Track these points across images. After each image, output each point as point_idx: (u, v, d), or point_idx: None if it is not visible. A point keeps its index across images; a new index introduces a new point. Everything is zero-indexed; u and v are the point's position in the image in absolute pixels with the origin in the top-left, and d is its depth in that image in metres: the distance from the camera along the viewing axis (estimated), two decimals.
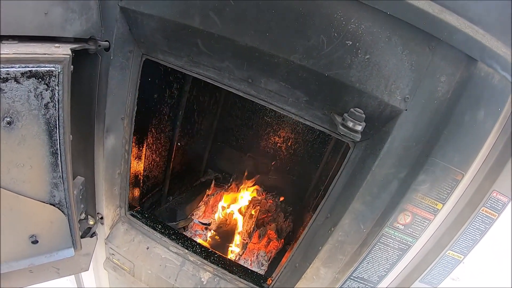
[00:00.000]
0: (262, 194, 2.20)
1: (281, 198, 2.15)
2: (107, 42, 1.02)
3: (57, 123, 0.94)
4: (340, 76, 0.79)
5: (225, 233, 1.77)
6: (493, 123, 0.79)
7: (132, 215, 1.33)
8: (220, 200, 1.98)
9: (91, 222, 1.25)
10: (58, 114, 0.93)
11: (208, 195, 2.01)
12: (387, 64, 0.77)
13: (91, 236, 1.27)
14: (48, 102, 0.89)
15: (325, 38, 0.77)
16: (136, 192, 1.45)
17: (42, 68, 0.83)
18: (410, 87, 0.78)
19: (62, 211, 1.07)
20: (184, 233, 1.65)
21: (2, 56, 0.76)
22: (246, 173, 2.10)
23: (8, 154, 0.88)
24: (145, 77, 1.14)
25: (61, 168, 1.01)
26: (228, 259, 1.31)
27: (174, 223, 1.63)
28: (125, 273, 1.34)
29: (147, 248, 1.29)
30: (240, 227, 1.79)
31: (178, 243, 1.28)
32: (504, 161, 0.82)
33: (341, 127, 0.80)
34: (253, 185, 2.10)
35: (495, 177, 0.84)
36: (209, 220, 1.82)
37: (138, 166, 1.39)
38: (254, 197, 2.10)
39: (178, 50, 1.01)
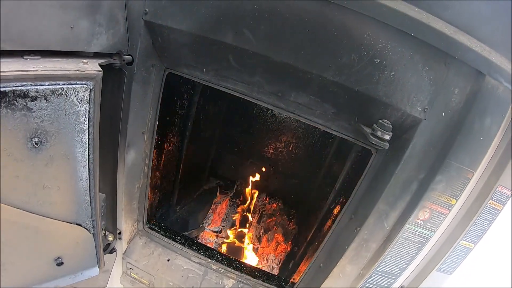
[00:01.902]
0: (265, 198, 2.30)
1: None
2: (130, 57, 1.07)
3: (87, 141, 0.97)
4: (368, 90, 0.92)
5: (235, 240, 1.85)
6: (498, 128, 0.95)
7: (151, 228, 1.38)
8: (227, 206, 2.06)
9: (110, 238, 1.29)
10: (89, 132, 0.95)
11: (215, 202, 2.08)
12: (410, 79, 0.91)
13: (111, 253, 1.30)
14: (79, 121, 0.91)
15: (356, 57, 0.89)
16: (150, 205, 1.49)
17: (74, 86, 0.85)
18: (428, 99, 0.92)
19: (88, 230, 1.10)
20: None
21: (31, 73, 0.77)
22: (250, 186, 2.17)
23: (35, 176, 0.88)
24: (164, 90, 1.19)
25: (90, 187, 1.04)
26: (249, 264, 1.40)
27: (187, 233, 1.68)
28: (143, 287, 1.38)
29: (168, 260, 1.35)
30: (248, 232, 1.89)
31: (200, 253, 1.35)
32: (507, 159, 0.99)
33: (371, 137, 0.92)
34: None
35: (500, 173, 1.00)
36: (219, 228, 1.89)
37: (153, 180, 1.44)
38: (258, 202, 2.20)
39: (206, 65, 1.08)
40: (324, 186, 1.96)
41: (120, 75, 1.06)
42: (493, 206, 1.05)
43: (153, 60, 1.11)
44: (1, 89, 0.72)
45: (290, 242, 1.98)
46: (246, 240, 1.86)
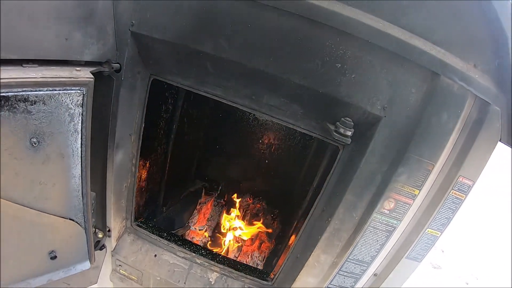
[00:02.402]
0: (249, 199, 2.43)
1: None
2: (118, 64, 1.20)
3: (80, 141, 1.09)
4: (331, 92, 1.06)
5: (220, 238, 1.97)
6: (455, 122, 1.07)
7: (138, 225, 1.49)
8: (211, 206, 2.19)
9: (100, 235, 1.40)
10: (82, 133, 1.08)
11: (200, 203, 2.20)
12: (369, 81, 1.05)
13: (101, 249, 1.41)
14: (73, 123, 1.04)
15: (319, 62, 1.03)
16: (137, 205, 1.60)
17: (69, 91, 0.98)
18: (387, 98, 1.06)
19: (80, 225, 1.22)
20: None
21: (31, 80, 0.90)
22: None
23: (33, 173, 1.00)
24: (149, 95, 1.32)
25: (82, 184, 1.16)
26: (232, 259, 1.51)
27: (173, 232, 1.79)
28: (132, 283, 1.49)
29: (155, 256, 1.46)
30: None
31: (185, 248, 1.47)
32: (466, 152, 1.11)
33: (334, 133, 1.05)
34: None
35: (460, 165, 1.12)
36: (204, 227, 2.01)
37: (139, 179, 1.56)
38: (242, 202, 2.32)
39: (187, 72, 1.22)
40: (304, 185, 2.08)
41: (109, 82, 1.19)
42: (455, 195, 1.17)
43: (139, 67, 1.25)
44: (4, 94, 0.84)
45: (273, 240, 2.09)
46: (231, 238, 1.97)
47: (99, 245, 1.41)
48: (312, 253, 1.24)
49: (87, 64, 1.11)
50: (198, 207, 2.18)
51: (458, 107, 1.06)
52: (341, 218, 1.19)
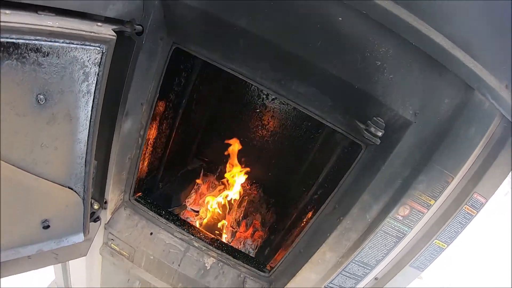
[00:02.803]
0: (247, 185, 2.42)
1: None
2: (140, 27, 1.13)
3: (92, 104, 1.02)
4: (367, 88, 1.05)
5: (215, 221, 1.94)
6: (480, 138, 1.09)
7: (137, 200, 1.45)
8: (209, 188, 2.16)
9: (95, 207, 1.35)
10: (94, 95, 1.00)
11: (197, 183, 2.17)
12: (406, 84, 1.04)
13: (95, 221, 1.36)
14: (87, 83, 0.96)
15: (359, 56, 1.01)
16: (137, 179, 1.55)
17: (87, 47, 0.89)
18: (420, 104, 1.06)
19: (79, 195, 1.16)
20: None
21: (47, 28, 0.80)
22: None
23: (35, 133, 0.92)
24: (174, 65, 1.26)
25: (87, 151, 1.09)
26: (231, 245, 1.50)
27: (169, 210, 1.75)
28: (122, 258, 1.45)
29: (151, 234, 1.43)
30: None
31: (183, 229, 1.44)
32: (485, 169, 1.13)
33: (365, 132, 1.04)
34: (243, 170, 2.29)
35: (477, 181, 1.15)
36: (200, 208, 1.98)
37: (143, 152, 1.50)
38: (244, 186, 2.31)
39: (215, 44, 1.17)
40: (306, 178, 2.09)
41: (129, 44, 1.13)
42: (467, 211, 1.20)
43: (163, 33, 1.19)
44: (14, 41, 0.75)
45: (267, 230, 2.10)
46: (225, 223, 1.96)
47: (93, 217, 1.36)
48: (318, 250, 1.25)
49: (108, 20, 1.02)
50: (195, 187, 2.15)
51: (485, 124, 1.08)
52: (354, 218, 1.20)
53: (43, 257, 1.21)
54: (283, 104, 2.22)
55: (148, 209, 1.45)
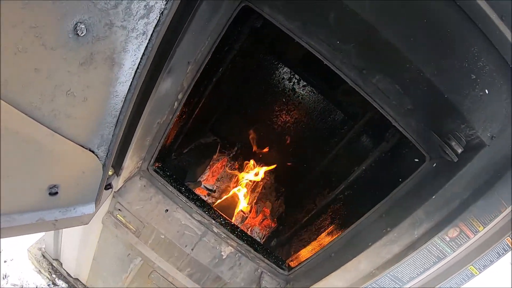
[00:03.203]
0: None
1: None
2: None
3: (144, 51, 0.82)
4: (456, 100, 1.00)
5: (226, 202, 1.82)
6: None
7: (155, 171, 1.28)
8: (223, 166, 2.03)
9: (110, 173, 1.17)
10: (149, 40, 0.81)
11: (213, 159, 2.02)
12: (491, 105, 1.00)
13: (106, 189, 1.17)
14: (146, 20, 0.76)
15: (457, 64, 0.93)
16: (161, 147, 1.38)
17: None
18: (498, 128, 1.03)
19: (100, 160, 0.97)
20: None
21: None
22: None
23: (62, 75, 0.71)
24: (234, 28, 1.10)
25: (122, 109, 0.90)
26: (251, 236, 1.39)
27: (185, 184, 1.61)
28: (128, 232, 1.30)
29: (166, 211, 1.30)
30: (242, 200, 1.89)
31: (204, 211, 1.30)
32: None
33: (445, 145, 0.97)
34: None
35: None
36: (213, 187, 1.85)
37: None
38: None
39: (296, 11, 1.03)
40: (328, 174, 2.02)
41: None
42: (508, 242, 1.18)
43: None
44: None
45: (275, 220, 2.02)
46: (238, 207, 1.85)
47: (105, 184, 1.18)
48: (355, 258, 1.19)
49: None
50: (211, 164, 2.00)
51: None
52: (401, 232, 1.17)
53: (40, 224, 0.99)
54: (313, 92, 2.14)
55: (167, 182, 1.31)
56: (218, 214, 1.40)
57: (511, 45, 0.91)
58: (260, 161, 2.35)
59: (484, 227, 1.16)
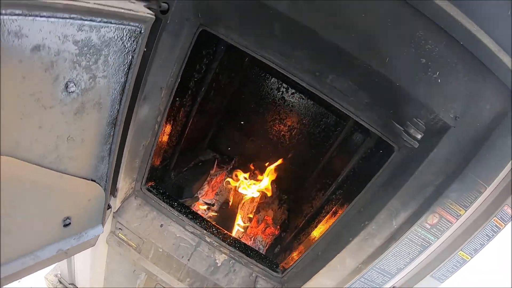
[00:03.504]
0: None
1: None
2: (166, 4, 1.05)
3: (124, 89, 0.94)
4: (409, 87, 0.99)
5: (226, 215, 1.89)
6: None
7: (148, 189, 1.39)
8: (222, 180, 2.11)
9: None
10: (126, 80, 0.92)
11: (211, 175, 2.11)
12: (449, 86, 0.99)
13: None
14: (123, 66, 0.88)
15: (404, 51, 0.95)
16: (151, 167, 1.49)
17: (126, 26, 0.81)
18: (461, 108, 1.01)
19: (101, 186, 1.08)
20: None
21: (83, 5, 0.69)
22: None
23: (61, 126, 0.82)
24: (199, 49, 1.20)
25: (113, 141, 1.02)
26: (244, 242, 1.45)
27: (181, 201, 1.70)
28: (130, 249, 1.40)
29: (161, 226, 1.38)
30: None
31: (196, 223, 1.38)
32: None
33: (404, 133, 0.98)
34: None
35: (508, 193, 1.10)
36: (212, 201, 1.93)
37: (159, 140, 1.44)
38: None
39: (248, 29, 1.10)
40: (323, 177, 2.03)
41: (156, 23, 1.04)
42: (496, 223, 1.15)
43: (189, 13, 1.12)
44: (46, 19, 0.64)
45: (278, 227, 2.05)
46: (238, 218, 1.91)
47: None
48: (338, 254, 1.20)
49: None
50: (209, 179, 2.09)
51: None
52: (380, 224, 1.15)
53: (59, 255, 1.10)
54: (302, 99, 2.16)
55: (160, 199, 1.39)
56: (210, 224, 1.44)
57: (458, 23, 0.90)
58: (258, 171, 2.39)
59: (465, 210, 1.13)
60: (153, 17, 0.89)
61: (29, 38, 0.62)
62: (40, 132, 0.77)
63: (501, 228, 1.18)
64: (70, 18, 0.68)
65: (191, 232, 1.39)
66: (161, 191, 1.44)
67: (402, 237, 1.14)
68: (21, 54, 0.62)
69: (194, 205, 1.87)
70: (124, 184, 1.33)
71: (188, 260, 1.36)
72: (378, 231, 1.16)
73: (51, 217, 0.98)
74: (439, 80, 0.97)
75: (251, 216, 2.00)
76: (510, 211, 1.15)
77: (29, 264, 0.97)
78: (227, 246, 1.39)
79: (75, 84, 0.77)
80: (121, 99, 0.94)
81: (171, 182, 1.83)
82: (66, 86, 0.75)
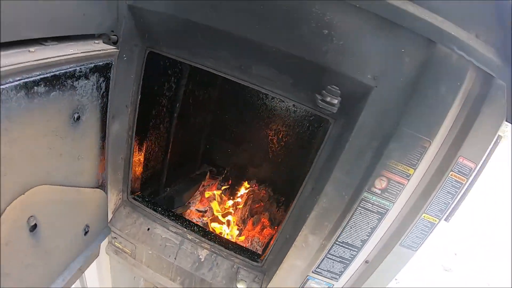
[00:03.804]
0: (254, 185, 2.44)
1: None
2: (115, 37, 1.25)
3: (107, 109, 1.16)
4: (318, 59, 1.02)
5: (219, 219, 1.99)
6: (454, 96, 0.99)
7: (134, 198, 1.55)
8: (214, 189, 2.22)
9: None
10: (107, 101, 1.15)
11: (203, 185, 2.24)
12: (359, 49, 1.00)
13: None
14: (104, 92, 1.11)
15: (305, 28, 1.01)
16: (137, 180, 1.67)
17: (103, 63, 1.05)
18: (379, 67, 1.00)
19: (105, 191, 1.28)
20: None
21: (74, 56, 0.92)
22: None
23: (74, 149, 1.03)
24: (147, 69, 1.37)
25: (107, 151, 1.23)
26: (224, 237, 1.52)
27: (173, 210, 1.84)
28: (126, 256, 1.54)
29: (148, 229, 1.50)
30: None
31: (177, 223, 1.49)
32: (467, 130, 1.03)
33: (320, 101, 1.03)
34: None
35: (460, 144, 1.04)
36: (205, 208, 2.04)
37: (139, 154, 1.62)
38: (248, 188, 2.34)
39: (180, 43, 1.24)
40: (300, 170, 2.04)
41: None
42: (455, 178, 1.09)
43: (136, 40, 1.29)
44: (56, 73, 0.86)
45: (276, 227, 2.07)
46: (230, 220, 1.99)
47: None
48: (300, 233, 1.20)
49: (90, 37, 1.16)
50: (201, 189, 2.23)
51: (457, 79, 0.98)
52: (329, 196, 1.14)
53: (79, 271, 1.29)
54: (282, 101, 2.21)
55: (145, 206, 1.52)
56: (190, 223, 1.51)
57: None
58: (250, 178, 2.48)
59: (414, 169, 1.08)
60: (117, 50, 1.10)
61: (50, 89, 0.84)
62: (61, 159, 0.98)
63: (464, 182, 1.11)
64: (70, 67, 0.91)
65: (174, 232, 1.48)
66: (146, 199, 1.57)
67: (354, 206, 1.11)
68: (45, 105, 0.84)
69: (189, 213, 1.99)
70: (112, 196, 1.49)
71: (175, 258, 1.45)
72: (330, 204, 1.14)
73: (77, 228, 1.18)
74: (346, 46, 1.00)
75: (243, 220, 2.07)
76: (469, 162, 1.09)
77: (67, 278, 1.18)
78: (207, 241, 1.45)
79: (79, 114, 0.99)
80: (107, 116, 1.17)
81: (166, 195, 1.98)
82: (73, 117, 0.97)
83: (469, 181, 1.11)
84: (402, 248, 1.18)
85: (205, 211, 2.03)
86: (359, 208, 1.13)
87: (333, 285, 1.28)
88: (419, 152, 1.05)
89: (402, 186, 1.09)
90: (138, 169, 1.62)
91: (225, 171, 2.47)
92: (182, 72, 1.69)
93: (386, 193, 1.10)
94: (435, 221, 1.15)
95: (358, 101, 1.07)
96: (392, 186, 1.09)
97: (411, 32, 0.97)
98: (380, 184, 1.09)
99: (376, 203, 1.12)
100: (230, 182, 2.36)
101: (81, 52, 0.93)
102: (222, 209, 2.10)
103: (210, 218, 1.96)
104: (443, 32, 0.95)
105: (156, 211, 1.51)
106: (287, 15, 1.01)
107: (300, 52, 1.04)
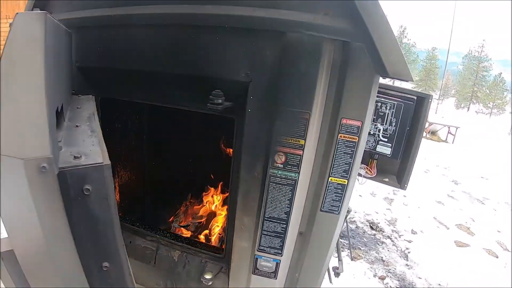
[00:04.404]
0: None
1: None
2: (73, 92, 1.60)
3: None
4: (200, 72, 1.29)
5: (201, 230, 2.18)
6: (317, 69, 1.14)
7: None
8: (196, 206, 2.41)
9: None
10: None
11: (186, 204, 2.45)
12: (228, 56, 1.23)
13: None
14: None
15: (183, 51, 1.28)
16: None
17: None
18: (248, 65, 1.22)
19: None
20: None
21: None
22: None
23: None
24: (109, 111, 1.69)
25: None
26: (193, 239, 1.71)
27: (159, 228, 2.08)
28: None
29: (130, 242, 1.75)
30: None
31: (151, 232, 1.73)
32: (340, 94, 1.18)
33: (208, 104, 1.23)
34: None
35: (339, 107, 1.19)
36: (188, 223, 2.25)
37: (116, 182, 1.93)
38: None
39: (123, 87, 1.56)
40: None
41: None
42: (346, 138, 1.21)
43: (90, 92, 1.63)
44: None
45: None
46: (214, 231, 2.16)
47: None
48: (236, 216, 1.38)
49: None
50: (183, 208, 2.42)
51: (314, 54, 1.14)
52: (245, 178, 1.31)
53: None
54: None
55: (125, 222, 1.80)
56: (162, 230, 1.74)
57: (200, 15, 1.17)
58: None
59: (304, 140, 1.21)
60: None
61: None
62: None
63: (356, 141, 1.21)
64: None
65: (150, 240, 1.71)
66: (126, 218, 1.85)
67: (266, 182, 1.27)
68: None
69: (174, 230, 2.20)
70: None
71: (154, 263, 1.67)
72: (249, 186, 1.31)
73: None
74: (218, 57, 1.24)
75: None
76: (353, 122, 1.20)
77: None
78: (177, 243, 1.65)
79: None
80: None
81: (150, 215, 2.26)
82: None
83: (362, 138, 1.20)
84: (324, 213, 1.30)
85: (188, 225, 2.24)
86: (271, 183, 1.28)
87: (279, 260, 1.39)
88: (303, 124, 1.20)
89: (299, 156, 1.23)
90: (118, 195, 1.91)
91: (204, 189, 2.55)
92: (143, 110, 2.01)
93: (288, 166, 1.25)
94: (344, 182, 1.25)
95: (243, 96, 1.26)
96: (290, 158, 1.24)
97: (263, 31, 1.18)
98: (279, 159, 1.24)
99: (283, 176, 1.26)
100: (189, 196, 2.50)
101: None
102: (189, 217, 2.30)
103: (179, 223, 2.16)
104: (285, 21, 1.13)
105: (133, 225, 1.77)
106: (166, 45, 1.31)
107: (186, 71, 1.32)
